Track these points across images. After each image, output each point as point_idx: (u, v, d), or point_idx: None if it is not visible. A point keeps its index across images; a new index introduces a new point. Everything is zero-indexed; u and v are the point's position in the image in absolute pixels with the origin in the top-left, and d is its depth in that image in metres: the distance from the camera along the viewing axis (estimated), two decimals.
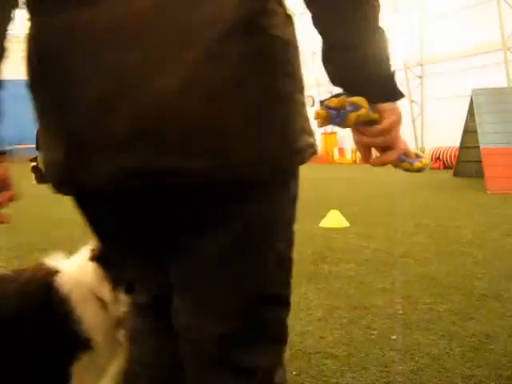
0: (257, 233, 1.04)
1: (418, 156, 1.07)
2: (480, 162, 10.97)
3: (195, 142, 0.92)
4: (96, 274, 1.52)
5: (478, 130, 11.10)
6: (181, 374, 1.13)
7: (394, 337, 2.84)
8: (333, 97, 0.99)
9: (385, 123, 1.00)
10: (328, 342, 2.78)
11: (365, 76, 0.99)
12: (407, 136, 22.66)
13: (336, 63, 1.01)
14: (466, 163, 13.19)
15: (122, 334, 1.46)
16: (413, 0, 19.36)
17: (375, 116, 0.99)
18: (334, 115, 0.98)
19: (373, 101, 0.99)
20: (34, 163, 14.74)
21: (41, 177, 14.29)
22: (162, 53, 0.90)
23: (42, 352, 1.44)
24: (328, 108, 0.98)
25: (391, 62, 1.00)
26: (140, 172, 0.93)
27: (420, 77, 19.98)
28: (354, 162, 22.38)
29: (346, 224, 6.31)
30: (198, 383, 1.10)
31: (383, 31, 0.99)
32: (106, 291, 1.50)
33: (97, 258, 1.53)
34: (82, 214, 1.14)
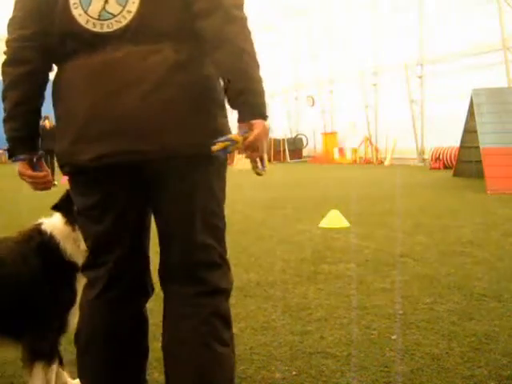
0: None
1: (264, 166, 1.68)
2: (480, 162, 10.96)
3: (141, 135, 1.59)
4: (62, 221, 2.14)
5: (478, 130, 11.08)
6: (124, 342, 1.77)
7: (394, 337, 2.84)
8: (219, 142, 1.59)
9: (252, 134, 1.56)
10: (328, 342, 2.78)
11: (242, 101, 1.58)
12: (407, 136, 22.44)
13: (228, 93, 1.62)
14: (465, 163, 13.17)
15: None
16: (413, 0, 19.35)
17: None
18: (221, 153, 1.60)
19: (246, 119, 1.58)
20: None
21: None
22: (126, 84, 1.59)
23: (47, 276, 2.05)
24: (218, 151, 1.59)
25: (263, 98, 1.60)
26: (110, 153, 1.60)
27: (420, 77, 19.95)
28: (354, 161, 22.37)
29: (346, 224, 6.31)
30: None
31: (260, 79, 1.59)
32: (70, 231, 2.12)
33: (54, 207, 2.17)
34: (76, 186, 1.77)
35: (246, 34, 1.59)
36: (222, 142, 1.59)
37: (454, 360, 2.53)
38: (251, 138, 1.58)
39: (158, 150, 1.61)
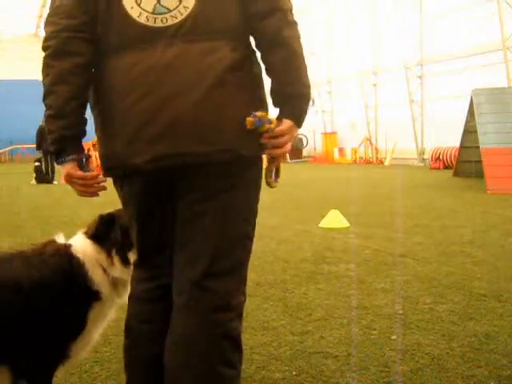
0: None
1: (278, 177, 1.77)
2: (480, 162, 10.97)
3: (196, 136, 1.55)
4: (94, 247, 1.98)
5: (478, 130, 11.08)
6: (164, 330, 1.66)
7: (394, 337, 2.84)
8: (261, 112, 1.60)
9: (284, 125, 1.62)
10: (328, 342, 2.78)
11: (289, 102, 1.63)
12: (407, 136, 22.40)
13: (273, 93, 1.65)
14: (465, 163, 13.18)
15: (117, 291, 2.00)
16: (412, 0, 19.35)
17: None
18: (256, 121, 1.57)
19: (284, 116, 1.62)
20: (37, 163, 14.67)
21: (40, 177, 14.27)
22: (184, 85, 1.53)
23: (67, 303, 1.88)
24: (255, 116, 1.57)
25: (307, 106, 1.66)
26: (169, 155, 1.55)
27: (420, 77, 19.96)
28: (354, 161, 22.38)
29: (346, 224, 6.30)
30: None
31: (310, 85, 1.65)
32: (103, 259, 1.98)
33: (92, 236, 2.00)
34: (123, 189, 1.71)
35: (299, 39, 1.63)
36: (259, 112, 1.59)
37: (454, 360, 2.53)
38: (282, 127, 1.61)
39: (219, 151, 1.56)
